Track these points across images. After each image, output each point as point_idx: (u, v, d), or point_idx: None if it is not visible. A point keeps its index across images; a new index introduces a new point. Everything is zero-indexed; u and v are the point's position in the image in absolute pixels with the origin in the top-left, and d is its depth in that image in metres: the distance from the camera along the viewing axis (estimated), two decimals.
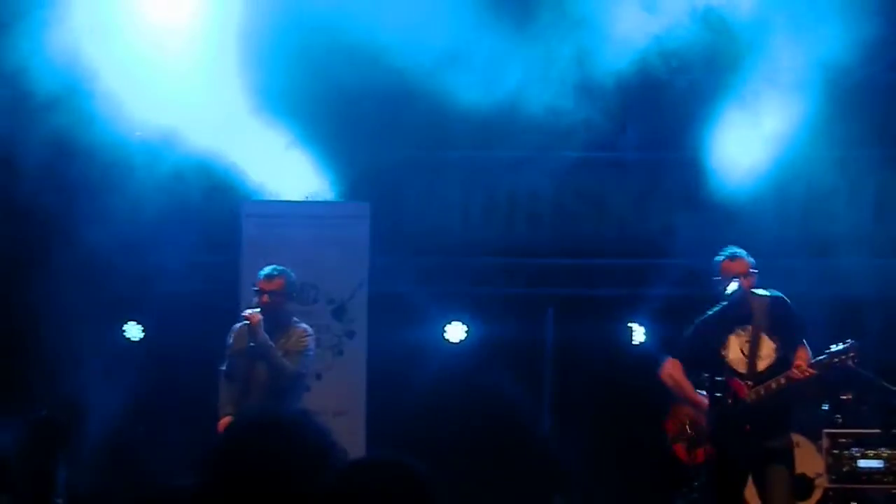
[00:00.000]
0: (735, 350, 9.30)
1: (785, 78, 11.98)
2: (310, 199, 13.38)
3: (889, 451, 11.55)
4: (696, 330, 9.49)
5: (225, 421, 10.13)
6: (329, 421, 11.62)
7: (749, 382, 9.16)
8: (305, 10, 12.02)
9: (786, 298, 9.42)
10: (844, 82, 11.96)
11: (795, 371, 9.08)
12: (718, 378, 9.10)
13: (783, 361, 9.22)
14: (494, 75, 12.37)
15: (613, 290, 13.75)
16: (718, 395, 9.11)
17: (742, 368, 9.24)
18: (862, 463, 11.57)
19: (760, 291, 9.37)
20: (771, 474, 9.16)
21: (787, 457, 9.29)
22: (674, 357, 9.60)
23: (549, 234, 13.97)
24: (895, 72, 12.62)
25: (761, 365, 9.24)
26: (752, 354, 9.26)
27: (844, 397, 11.88)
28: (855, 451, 11.60)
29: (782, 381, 9.11)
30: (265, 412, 3.74)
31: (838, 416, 11.97)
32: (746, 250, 9.65)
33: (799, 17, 11.84)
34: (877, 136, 12.89)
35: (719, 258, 9.44)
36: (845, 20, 11.38)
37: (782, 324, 9.34)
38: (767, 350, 9.28)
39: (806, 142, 12.33)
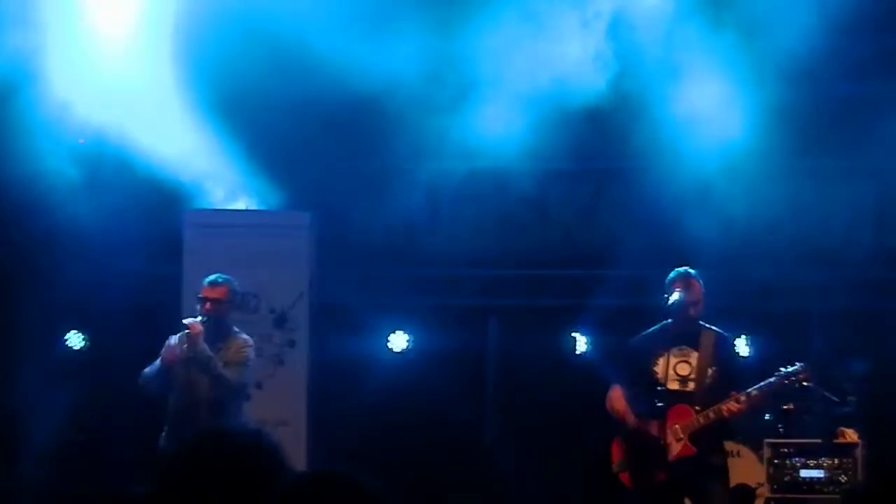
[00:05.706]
0: (668, 368, 9.35)
1: (730, 87, 12.01)
2: (251, 208, 13.35)
3: (830, 461, 11.60)
4: (630, 347, 9.60)
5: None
6: (270, 431, 11.56)
7: (697, 408, 9.28)
8: (249, 18, 11.98)
9: (731, 338, 9.69)
10: (793, 93, 12.02)
11: (732, 406, 9.20)
12: (659, 403, 9.18)
13: (719, 389, 9.32)
14: (438, 86, 12.36)
15: (557, 301, 13.75)
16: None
17: (674, 386, 9.32)
18: (804, 473, 11.62)
19: (709, 326, 9.47)
20: (709, 495, 9.28)
21: (724, 475, 9.49)
22: (614, 383, 9.63)
23: (492, 243, 13.97)
24: (846, 83, 12.68)
25: (702, 387, 9.32)
26: (699, 378, 9.35)
27: (786, 407, 11.95)
28: (797, 460, 11.65)
29: (711, 415, 9.25)
30: (218, 427, 3.72)
31: (780, 425, 12.04)
32: (689, 260, 9.73)
33: (747, 26, 11.89)
34: (822, 146, 12.94)
35: (675, 276, 9.47)
36: (797, 29, 11.43)
37: (725, 359, 9.48)
38: (706, 376, 9.36)
39: (750, 152, 12.37)
